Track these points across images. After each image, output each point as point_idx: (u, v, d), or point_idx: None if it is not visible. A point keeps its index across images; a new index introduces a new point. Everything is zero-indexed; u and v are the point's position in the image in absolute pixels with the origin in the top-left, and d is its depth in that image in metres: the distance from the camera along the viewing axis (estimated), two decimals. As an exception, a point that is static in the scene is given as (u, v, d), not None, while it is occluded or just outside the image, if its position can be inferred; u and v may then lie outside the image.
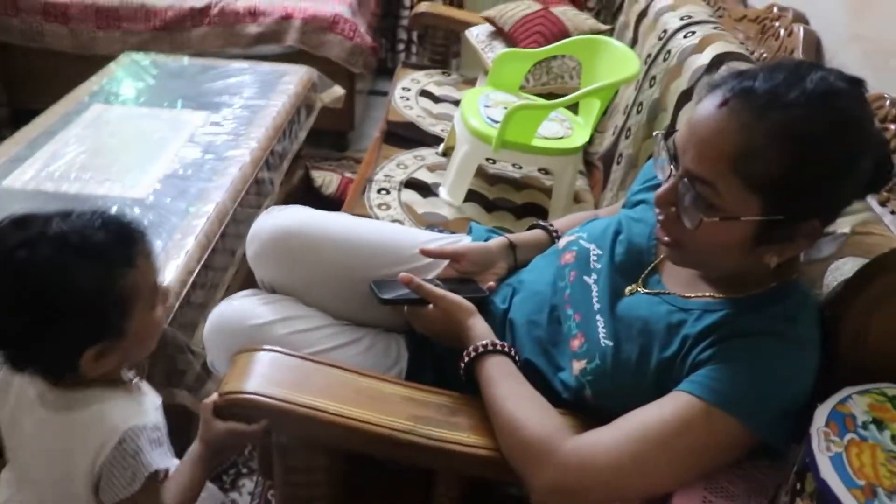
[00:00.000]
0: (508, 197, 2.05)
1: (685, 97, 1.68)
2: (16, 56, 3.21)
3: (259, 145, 2.09)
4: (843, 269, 1.01)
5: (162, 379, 1.49)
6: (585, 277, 1.12)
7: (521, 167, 2.19)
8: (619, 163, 2.09)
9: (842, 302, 0.97)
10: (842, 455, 0.78)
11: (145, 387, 1.07)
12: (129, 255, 0.92)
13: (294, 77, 2.55)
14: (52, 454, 0.95)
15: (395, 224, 1.84)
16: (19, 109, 3.27)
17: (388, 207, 1.93)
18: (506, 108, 1.98)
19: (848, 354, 0.96)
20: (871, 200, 1.17)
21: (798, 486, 0.81)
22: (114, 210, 0.92)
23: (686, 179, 0.92)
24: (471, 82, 2.77)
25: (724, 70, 1.53)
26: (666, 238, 0.99)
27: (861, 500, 0.73)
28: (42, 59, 3.22)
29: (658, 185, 1.01)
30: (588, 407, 1.04)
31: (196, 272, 1.59)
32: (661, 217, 0.99)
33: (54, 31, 3.15)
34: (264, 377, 1.04)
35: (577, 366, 1.05)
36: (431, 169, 2.14)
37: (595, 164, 2.30)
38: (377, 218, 1.88)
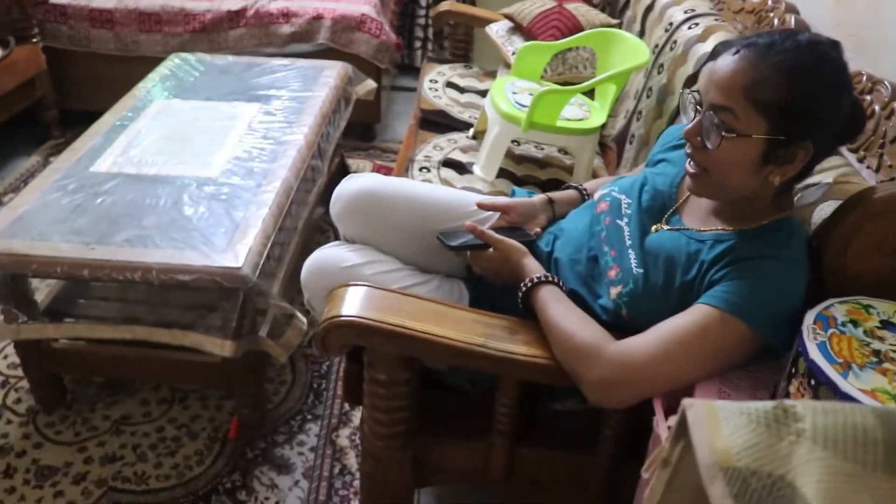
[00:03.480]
0: (534, 174, 2.26)
1: (690, 81, 1.89)
2: (64, 60, 3.36)
3: (311, 131, 2.29)
4: (826, 209, 1.24)
5: (249, 327, 1.71)
6: (618, 221, 1.35)
7: (542, 148, 2.39)
8: (631, 142, 2.30)
9: (826, 232, 1.20)
10: (826, 343, 1.00)
11: None
12: None
13: (332, 71, 2.72)
14: None
15: (451, 187, 2.05)
16: (67, 110, 3.44)
17: (431, 183, 2.16)
18: (531, 94, 2.20)
19: (831, 274, 1.18)
20: (851, 158, 1.41)
21: (793, 369, 1.03)
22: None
23: (710, 112, 1.14)
24: (490, 74, 2.97)
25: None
26: (692, 170, 1.21)
27: (839, 371, 0.95)
28: (88, 62, 3.38)
29: (677, 146, 1.25)
30: (625, 325, 1.25)
31: (272, 237, 1.82)
32: (689, 150, 1.21)
33: (100, 36, 3.31)
34: (360, 305, 1.25)
35: (614, 291, 1.28)
36: (464, 150, 2.35)
37: (609, 145, 2.51)
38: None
